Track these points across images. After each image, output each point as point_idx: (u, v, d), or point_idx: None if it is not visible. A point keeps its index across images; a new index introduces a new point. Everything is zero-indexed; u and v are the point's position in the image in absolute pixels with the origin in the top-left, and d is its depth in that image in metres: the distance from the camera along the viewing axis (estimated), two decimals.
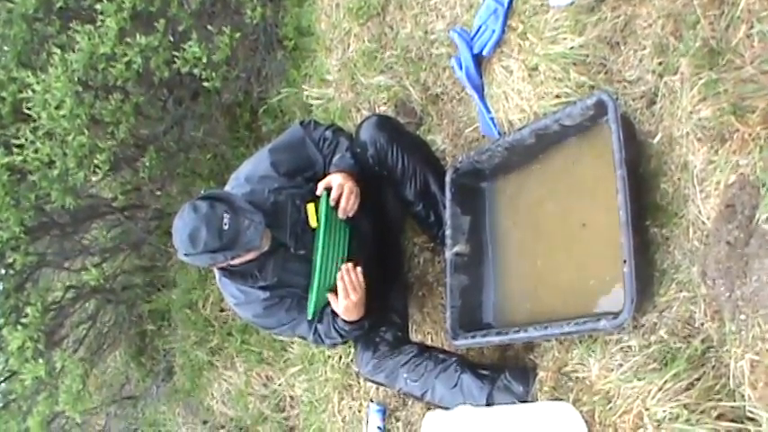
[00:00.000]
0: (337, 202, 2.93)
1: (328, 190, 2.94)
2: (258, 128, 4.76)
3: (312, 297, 2.88)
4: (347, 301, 2.89)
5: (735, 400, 2.14)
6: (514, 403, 2.78)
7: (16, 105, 3.84)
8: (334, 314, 2.99)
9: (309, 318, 2.98)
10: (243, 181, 3.04)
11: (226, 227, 2.67)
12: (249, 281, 2.99)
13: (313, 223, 2.95)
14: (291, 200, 2.99)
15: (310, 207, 2.97)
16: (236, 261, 2.85)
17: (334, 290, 2.91)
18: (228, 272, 2.99)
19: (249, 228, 2.72)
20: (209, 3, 4.13)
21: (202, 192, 2.91)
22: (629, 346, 2.43)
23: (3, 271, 4.33)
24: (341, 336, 3.07)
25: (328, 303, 2.97)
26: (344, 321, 2.98)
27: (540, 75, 2.82)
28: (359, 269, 2.91)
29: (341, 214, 2.94)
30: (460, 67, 3.11)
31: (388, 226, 3.43)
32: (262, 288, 3.01)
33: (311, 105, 4.29)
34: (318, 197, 2.94)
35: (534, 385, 2.77)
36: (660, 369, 2.30)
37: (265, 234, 2.83)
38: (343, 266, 2.90)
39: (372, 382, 3.32)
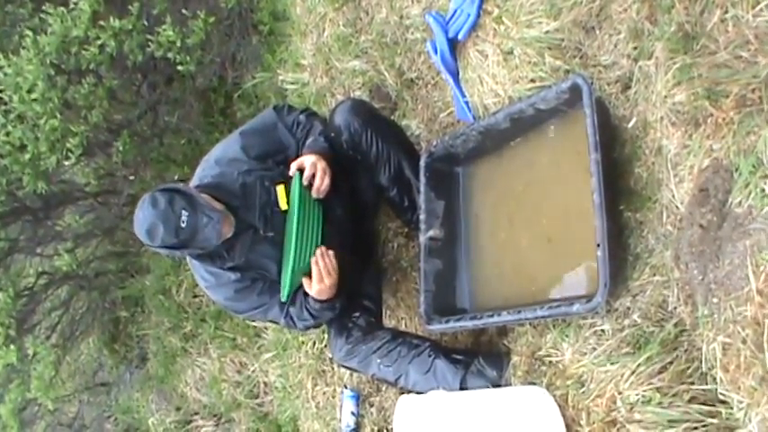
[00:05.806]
0: (310, 183, 2.92)
1: (301, 170, 2.93)
2: (233, 113, 4.74)
3: (287, 279, 2.86)
4: (320, 285, 2.89)
5: (707, 383, 2.15)
6: (488, 388, 2.79)
7: None
8: (306, 294, 2.99)
9: (284, 300, 2.97)
10: (213, 163, 3.04)
11: (183, 224, 2.68)
12: (218, 262, 2.98)
13: (283, 205, 2.95)
14: (261, 181, 2.98)
15: (280, 189, 2.96)
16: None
17: (307, 273, 2.90)
18: (198, 254, 2.97)
19: (207, 226, 2.73)
20: None
21: (176, 178, 2.89)
22: (603, 330, 2.43)
23: None
24: (313, 317, 3.06)
25: (301, 285, 2.96)
26: (315, 300, 2.98)
27: (515, 59, 2.82)
28: (331, 252, 2.91)
29: (314, 193, 2.94)
30: (435, 52, 3.10)
31: (362, 211, 3.41)
32: (231, 269, 3.00)
33: (286, 90, 4.28)
34: (289, 179, 2.93)
35: (508, 370, 2.78)
36: (633, 353, 2.30)
37: (228, 220, 2.85)
38: (318, 251, 2.90)
39: (346, 367, 3.33)
